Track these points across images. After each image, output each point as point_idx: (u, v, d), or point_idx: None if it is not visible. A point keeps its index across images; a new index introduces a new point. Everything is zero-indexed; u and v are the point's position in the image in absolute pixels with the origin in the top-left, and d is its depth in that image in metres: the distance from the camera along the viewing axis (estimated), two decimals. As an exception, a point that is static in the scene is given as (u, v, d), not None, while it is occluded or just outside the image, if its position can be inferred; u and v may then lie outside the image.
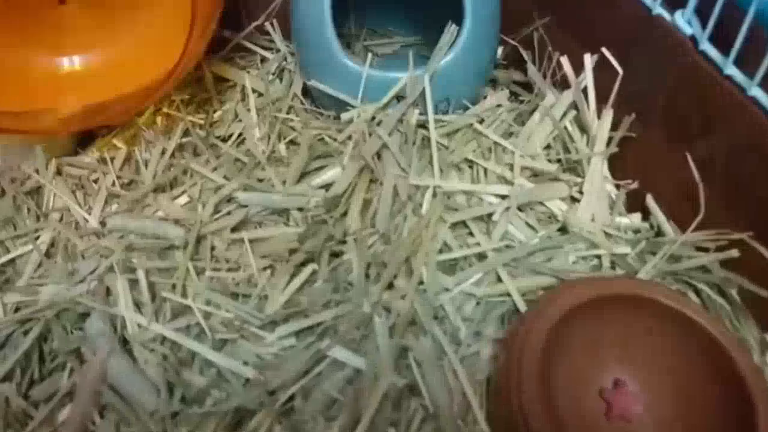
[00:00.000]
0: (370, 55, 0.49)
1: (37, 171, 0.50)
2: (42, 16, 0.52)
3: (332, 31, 0.48)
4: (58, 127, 0.49)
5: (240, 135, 0.55)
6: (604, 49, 0.47)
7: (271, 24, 0.62)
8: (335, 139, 0.51)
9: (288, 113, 0.55)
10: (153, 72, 0.50)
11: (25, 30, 0.51)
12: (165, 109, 0.57)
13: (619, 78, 0.47)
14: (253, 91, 0.57)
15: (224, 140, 0.55)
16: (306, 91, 0.57)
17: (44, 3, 0.52)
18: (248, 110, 0.56)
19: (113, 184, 0.50)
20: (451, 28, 0.49)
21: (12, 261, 0.46)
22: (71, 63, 0.53)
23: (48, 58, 0.52)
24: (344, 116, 0.50)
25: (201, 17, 0.46)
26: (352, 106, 0.50)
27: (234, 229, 0.46)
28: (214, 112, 0.58)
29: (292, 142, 0.52)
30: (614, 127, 0.48)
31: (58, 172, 0.51)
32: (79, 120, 0.51)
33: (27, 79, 0.51)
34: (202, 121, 0.56)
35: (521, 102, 0.56)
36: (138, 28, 0.54)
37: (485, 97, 0.55)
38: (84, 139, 0.54)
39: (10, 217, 0.48)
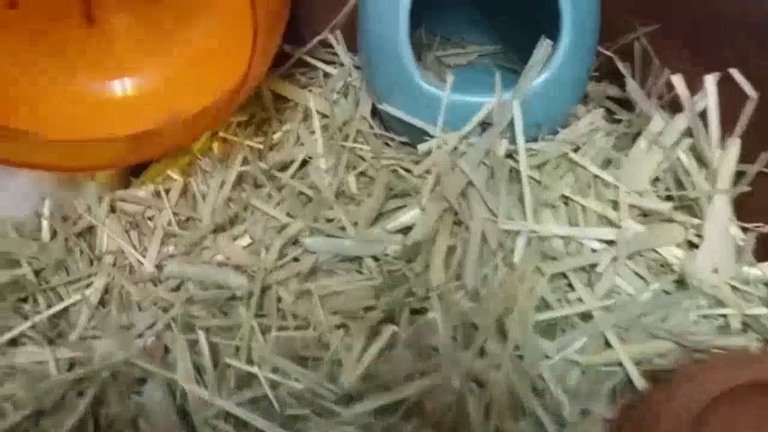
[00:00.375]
0: (450, 77, 0.43)
1: (89, 208, 0.46)
2: (85, 38, 0.48)
3: (409, 52, 0.43)
4: (109, 160, 0.46)
5: (303, 163, 0.50)
6: (734, 71, 0.40)
7: (334, 34, 0.56)
8: (409, 171, 0.45)
9: (356, 139, 0.49)
10: (211, 93, 0.45)
11: (67, 54, 0.47)
12: (221, 133, 0.52)
13: (751, 102, 0.39)
14: (323, 116, 0.52)
15: (285, 167, 0.50)
16: (374, 112, 0.51)
17: (85, 24, 0.48)
18: (311, 133, 0.51)
19: (169, 222, 0.46)
20: (544, 44, 0.42)
21: (65, 310, 0.43)
22: (123, 87, 0.49)
23: (97, 84, 0.48)
24: (422, 147, 0.44)
25: (263, 31, 0.41)
26: (430, 135, 0.45)
27: (301, 278, 0.41)
28: (273, 133, 0.53)
29: (362, 174, 0.47)
30: (740, 159, 0.41)
31: (112, 210, 0.47)
32: (133, 150, 0.47)
33: (75, 106, 0.48)
34: (260, 146, 0.52)
35: (617, 122, 0.49)
36: (193, 46, 0.50)
37: (576, 117, 0.48)
38: (137, 167, 0.51)
39: (62, 260, 0.44)
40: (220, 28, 0.49)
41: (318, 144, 0.48)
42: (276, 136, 0.53)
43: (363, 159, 0.47)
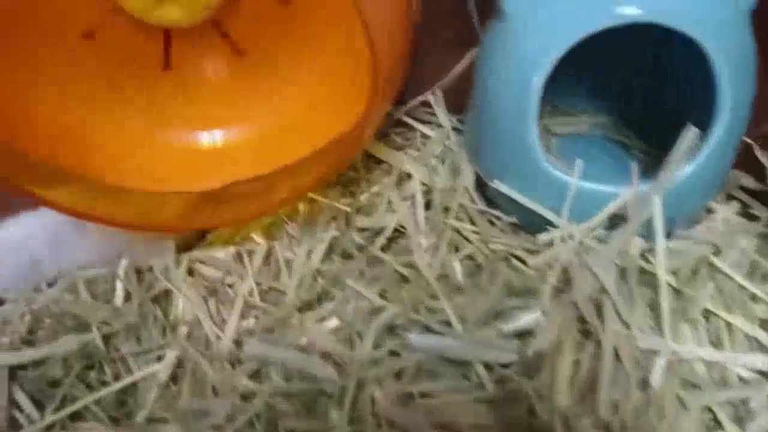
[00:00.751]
0: (579, 163, 0.39)
1: (166, 269, 0.43)
2: (167, 85, 0.44)
3: (536, 134, 0.38)
4: (188, 218, 0.42)
5: (396, 233, 0.45)
6: None
7: (434, 94, 0.52)
8: (523, 261, 0.40)
9: (458, 215, 0.45)
10: (310, 146, 0.42)
11: (146, 101, 0.44)
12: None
13: None
14: (409, 176, 0.47)
15: (375, 234, 0.46)
16: (479, 183, 0.47)
17: (166, 71, 0.44)
18: (404, 200, 0.47)
19: (250, 292, 0.42)
20: (691, 133, 0.37)
21: (133, 384, 0.39)
22: (212, 138, 0.46)
23: (179, 133, 0.45)
24: (542, 237, 0.40)
25: (382, 95, 0.37)
26: (550, 223, 0.40)
27: (399, 376, 0.37)
28: (361, 194, 0.49)
29: (468, 257, 0.42)
30: None
31: (190, 272, 0.43)
32: (215, 210, 0.43)
33: (153, 156, 0.44)
34: (347, 208, 0.48)
35: (754, 218, 0.44)
36: (290, 96, 0.46)
37: (709, 211, 0.43)
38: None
39: (134, 326, 0.40)
40: (329, 77, 0.45)
41: (418, 217, 0.44)
42: (363, 197, 0.49)
43: (468, 240, 0.43)
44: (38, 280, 0.44)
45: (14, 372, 0.39)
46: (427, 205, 0.47)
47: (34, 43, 0.38)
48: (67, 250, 0.44)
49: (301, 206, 0.48)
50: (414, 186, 0.47)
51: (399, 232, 0.46)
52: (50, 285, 0.44)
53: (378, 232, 0.46)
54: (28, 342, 0.41)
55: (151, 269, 0.43)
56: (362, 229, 0.47)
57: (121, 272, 0.41)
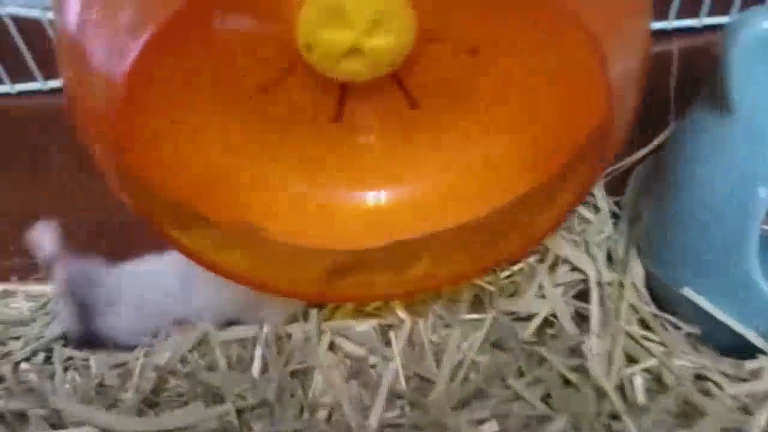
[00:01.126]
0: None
1: (306, 339, 0.39)
2: (340, 139, 0.41)
3: (754, 249, 0.33)
4: (326, 283, 0.38)
5: (552, 326, 0.41)
6: None
7: (593, 171, 0.48)
8: (720, 385, 0.35)
9: (627, 317, 0.40)
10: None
11: (319, 156, 0.41)
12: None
13: None
14: (575, 269, 0.43)
15: (519, 318, 0.42)
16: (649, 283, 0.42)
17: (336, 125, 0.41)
18: (556, 286, 0.43)
19: (396, 376, 0.38)
20: None
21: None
22: (377, 198, 0.42)
23: (349, 192, 0.41)
24: (750, 365, 0.35)
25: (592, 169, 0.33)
26: (754, 347, 0.35)
27: None
28: (502, 271, 0.45)
29: (647, 371, 0.37)
30: None
31: (330, 346, 0.39)
32: (361, 277, 0.39)
33: (315, 214, 0.41)
34: (491, 287, 0.44)
35: None
36: (466, 161, 0.42)
37: None
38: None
39: (268, 402, 0.36)
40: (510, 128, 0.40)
41: (592, 317, 0.39)
42: (504, 276, 0.45)
43: (649, 352, 0.38)
44: (166, 326, 0.41)
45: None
46: (583, 297, 0.43)
47: (205, 97, 0.35)
48: (197, 298, 0.41)
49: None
50: (595, 290, 0.42)
51: (548, 321, 0.42)
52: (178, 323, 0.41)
53: (524, 317, 0.42)
54: (152, 404, 0.37)
55: (289, 337, 0.39)
56: (507, 313, 0.43)
57: (259, 349, 0.38)
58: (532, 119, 0.38)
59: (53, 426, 0.36)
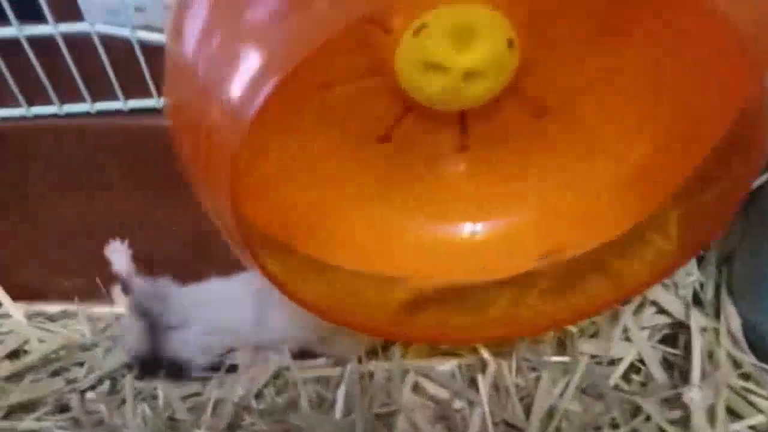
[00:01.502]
0: None
1: (389, 379, 0.37)
2: (463, 167, 0.39)
3: None
4: (404, 317, 0.36)
5: (638, 372, 0.39)
6: None
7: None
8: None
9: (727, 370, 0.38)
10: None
11: (430, 195, 0.39)
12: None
13: None
14: (661, 311, 0.41)
15: (601, 362, 0.40)
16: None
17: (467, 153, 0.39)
18: (642, 329, 0.41)
19: (483, 421, 0.36)
20: None
21: None
22: (473, 230, 0.40)
23: (446, 225, 0.39)
24: None
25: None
26: None
27: None
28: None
29: (753, 430, 0.35)
30: None
31: (414, 388, 0.38)
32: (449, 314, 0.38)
33: (416, 247, 0.39)
34: (573, 328, 0.42)
35: None
36: (567, 193, 0.40)
37: None
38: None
39: (351, 444, 0.35)
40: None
41: (694, 367, 0.37)
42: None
43: (753, 406, 0.36)
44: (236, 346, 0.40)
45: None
46: (668, 341, 0.41)
47: (322, 144, 0.34)
48: (272, 323, 0.39)
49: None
50: (661, 318, 0.41)
51: (633, 366, 0.40)
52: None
53: (610, 362, 0.40)
54: (228, 442, 0.36)
55: (371, 376, 0.37)
56: (591, 356, 0.41)
57: (345, 377, 0.36)
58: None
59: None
